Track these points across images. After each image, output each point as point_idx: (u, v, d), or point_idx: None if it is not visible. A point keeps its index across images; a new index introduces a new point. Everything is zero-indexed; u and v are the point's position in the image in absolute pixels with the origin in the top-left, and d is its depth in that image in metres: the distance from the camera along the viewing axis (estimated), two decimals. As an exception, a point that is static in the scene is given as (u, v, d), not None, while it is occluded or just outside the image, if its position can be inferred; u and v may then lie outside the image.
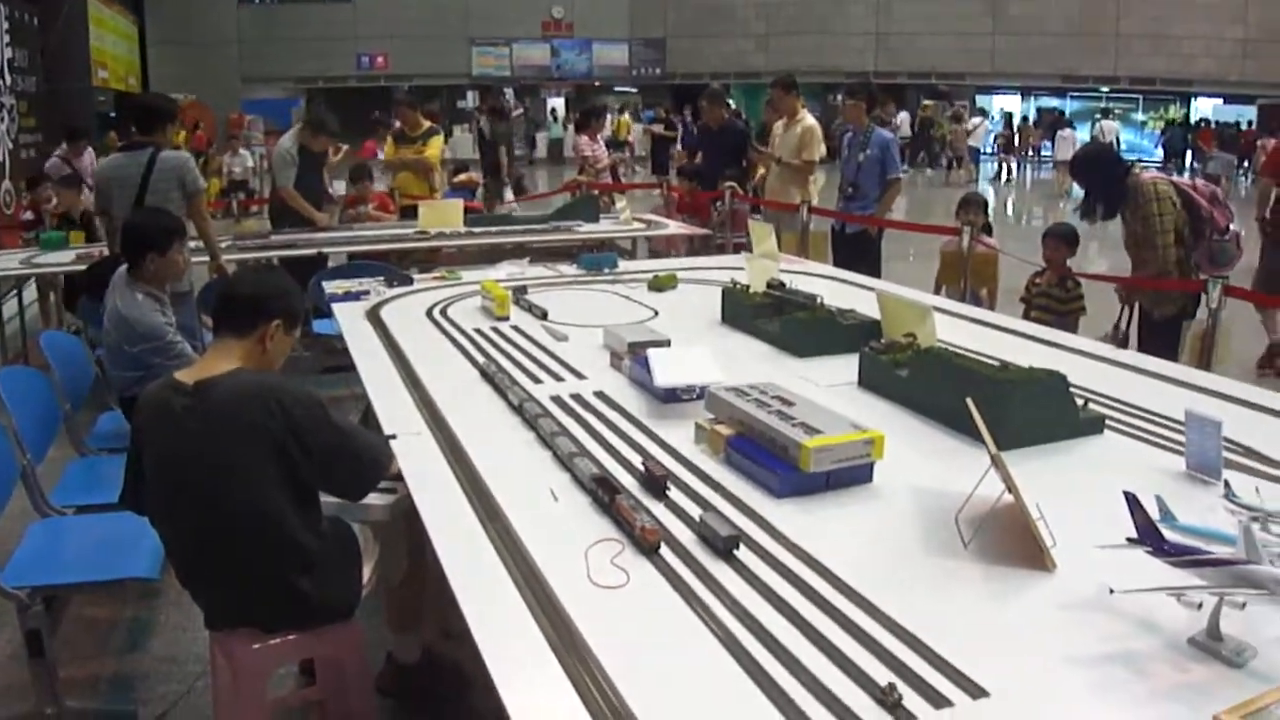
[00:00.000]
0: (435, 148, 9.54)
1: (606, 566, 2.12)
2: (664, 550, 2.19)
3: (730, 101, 13.83)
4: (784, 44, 32.35)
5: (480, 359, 3.75)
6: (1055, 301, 6.17)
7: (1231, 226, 5.69)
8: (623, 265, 5.85)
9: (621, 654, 1.78)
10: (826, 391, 3.26)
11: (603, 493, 2.42)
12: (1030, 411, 2.81)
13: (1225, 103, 31.13)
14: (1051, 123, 30.77)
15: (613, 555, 2.18)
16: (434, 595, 3.12)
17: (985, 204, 7.38)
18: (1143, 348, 5.00)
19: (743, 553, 2.18)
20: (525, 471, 2.69)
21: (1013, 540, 2.17)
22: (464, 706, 3.21)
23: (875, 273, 7.36)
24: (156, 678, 3.67)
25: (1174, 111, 32.62)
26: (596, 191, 10.82)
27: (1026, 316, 6.05)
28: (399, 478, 2.72)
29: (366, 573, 2.90)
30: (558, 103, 35.06)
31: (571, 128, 20.91)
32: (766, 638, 1.86)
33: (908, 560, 2.19)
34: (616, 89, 35.32)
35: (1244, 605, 1.78)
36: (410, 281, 5.30)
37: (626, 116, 30.37)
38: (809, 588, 2.05)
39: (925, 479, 2.58)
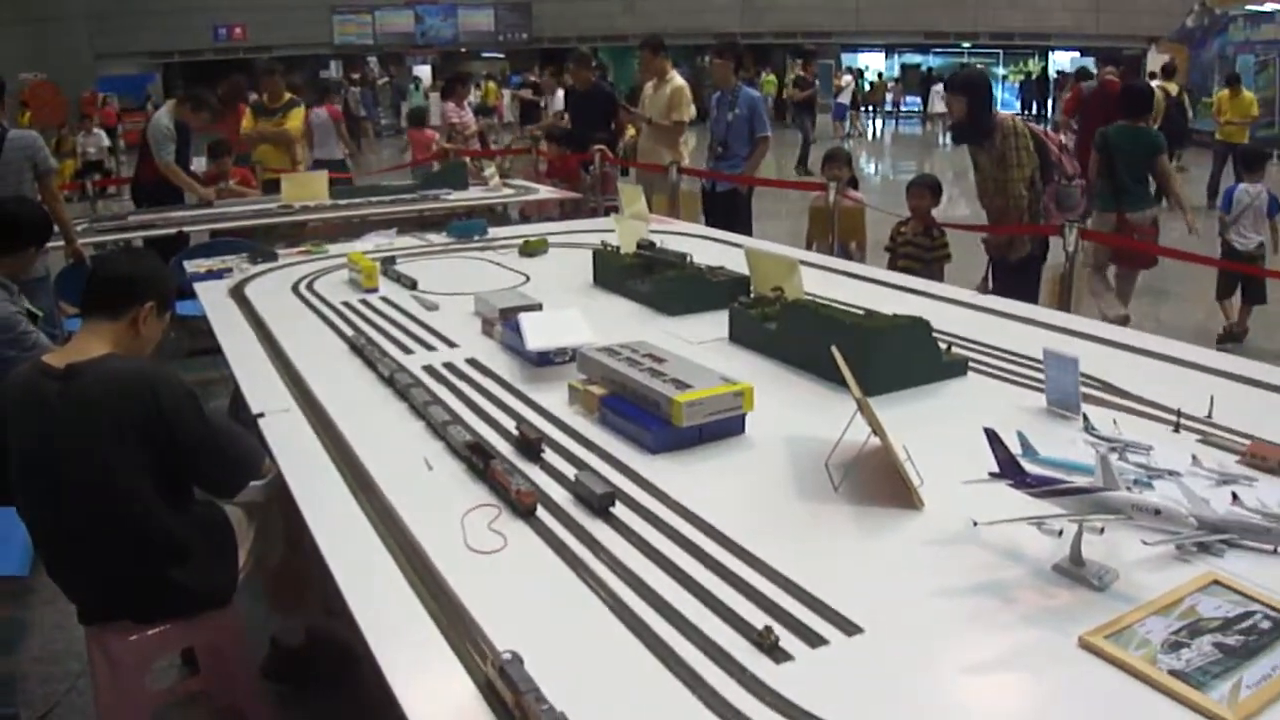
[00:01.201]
0: (296, 120, 9.33)
1: (484, 532, 2.12)
2: (541, 512, 2.20)
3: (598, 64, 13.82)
4: (651, 6, 32.23)
5: (349, 332, 3.69)
6: (921, 250, 6.30)
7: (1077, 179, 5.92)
8: (493, 231, 5.81)
9: (503, 617, 1.79)
10: (698, 348, 3.31)
11: (477, 459, 2.41)
12: (895, 357, 2.89)
13: (1081, 55, 32.08)
14: (922, 79, 31.43)
15: (490, 520, 2.17)
16: (314, 575, 3.07)
17: (849, 158, 7.50)
18: (1000, 291, 5.16)
19: (619, 509, 2.21)
20: (399, 443, 2.66)
21: (881, 481, 2.23)
22: (352, 684, 3.19)
23: (747, 231, 7.44)
24: (36, 678, 3.56)
25: (1032, 65, 33.48)
26: (466, 158, 10.70)
27: (893, 266, 6.18)
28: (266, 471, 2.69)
29: (242, 556, 2.85)
30: (424, 70, 34.45)
31: (436, 95, 20.58)
32: (645, 590, 1.88)
33: (781, 507, 2.24)
34: (483, 54, 34.84)
35: (1102, 530, 1.85)
36: (275, 257, 5.19)
37: (493, 83, 30.01)
38: (685, 539, 2.08)
39: (796, 427, 2.63)
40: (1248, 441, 2.48)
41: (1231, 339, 7.56)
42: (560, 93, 13.02)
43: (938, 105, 30.34)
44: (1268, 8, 23.78)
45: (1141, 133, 7.63)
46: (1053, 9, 30.95)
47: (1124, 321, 6.97)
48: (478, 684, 1.62)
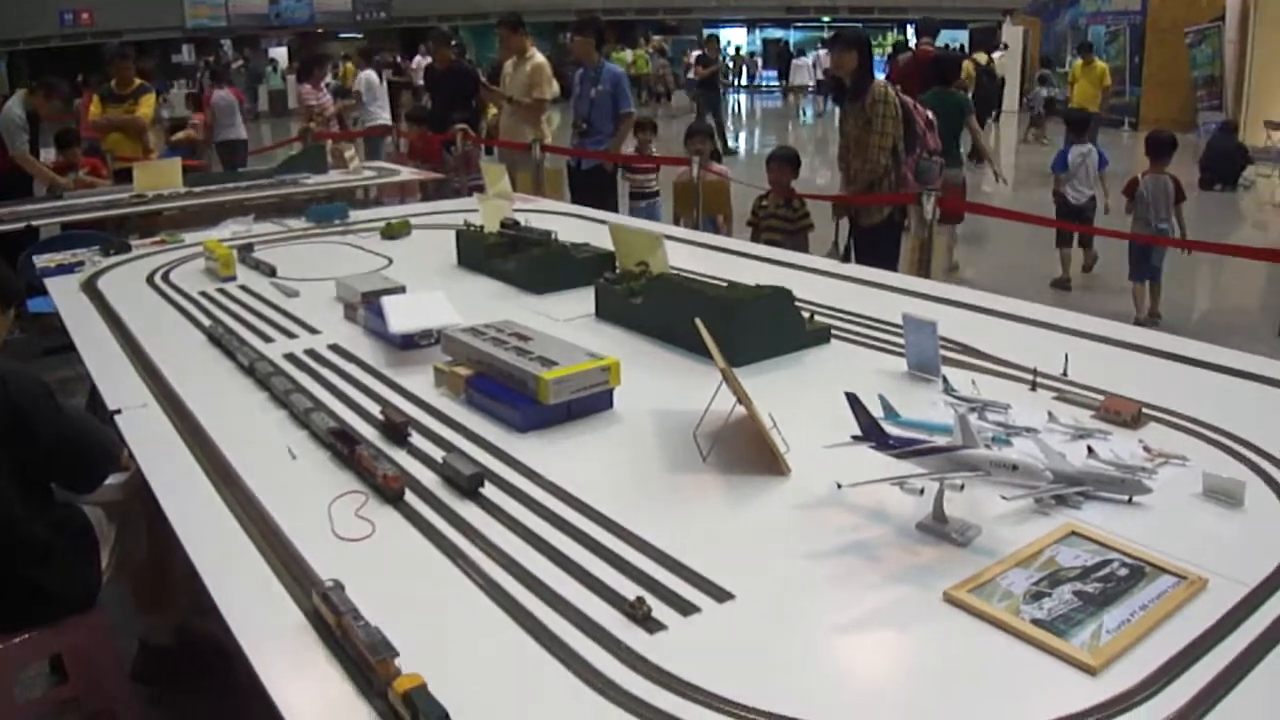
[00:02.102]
0: (147, 106, 9.06)
1: (351, 519, 2.08)
2: (409, 496, 2.17)
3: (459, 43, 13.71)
4: (512, -18, 32.01)
5: (207, 322, 3.58)
6: (784, 221, 6.39)
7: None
8: (354, 215, 5.70)
9: (373, 604, 1.75)
10: (564, 325, 3.29)
11: (342, 445, 2.37)
12: (759, 327, 2.92)
13: (941, 28, 32.82)
14: (779, 52, 31.82)
15: (357, 507, 2.13)
16: (180, 573, 2.99)
17: (711, 133, 7.56)
18: (859, 258, 5.27)
19: (489, 490, 2.18)
20: (261, 433, 2.60)
21: (749, 449, 2.25)
22: (224, 682, 3.10)
23: (614, 208, 7.45)
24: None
25: (892, 38, 34.12)
26: (327, 142, 10.49)
27: (756, 239, 6.25)
28: (126, 467, 2.60)
29: (104, 558, 2.76)
30: (280, 53, 33.62)
31: (293, 78, 20.20)
32: (516, 569, 1.87)
33: (650, 479, 2.25)
34: (341, 35, 34.15)
35: (962, 487, 1.90)
36: (128, 249, 5.00)
37: (351, 64, 29.45)
38: (556, 516, 2.07)
39: (664, 400, 2.64)
40: (1102, 397, 2.57)
41: (1063, 286, 8.62)
42: (366, 74, 12.88)
43: (799, 77, 30.88)
44: (1118, -21, 24.63)
45: (950, 95, 8.57)
46: (914, -18, 31.64)
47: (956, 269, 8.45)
48: (348, 672, 1.59)
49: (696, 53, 29.38)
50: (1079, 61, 17.17)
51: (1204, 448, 2.36)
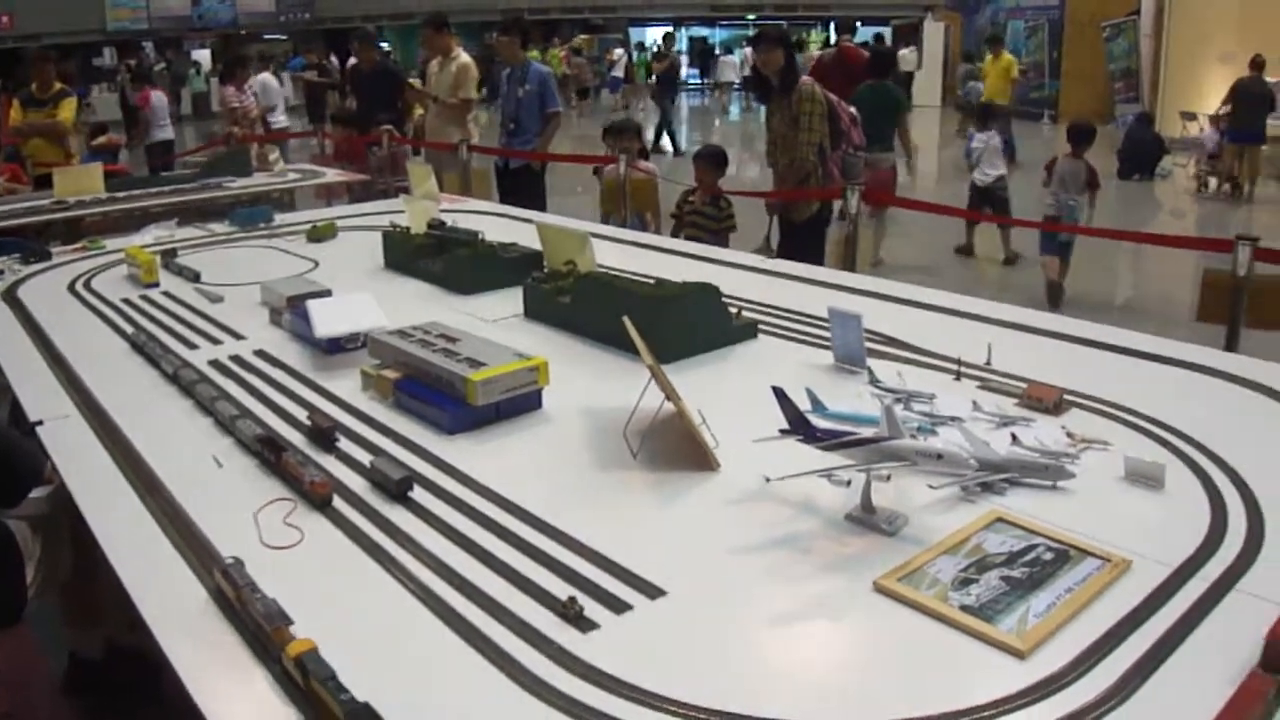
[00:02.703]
0: (68, 110, 8.84)
1: (279, 527, 2.05)
2: (337, 502, 2.14)
3: (385, 44, 13.60)
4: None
5: (130, 330, 3.51)
6: (709, 220, 6.40)
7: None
8: (279, 218, 5.63)
9: (304, 612, 1.72)
10: (493, 326, 3.28)
11: (268, 452, 2.33)
12: (686, 324, 2.93)
13: (863, 24, 33.14)
14: (702, 50, 31.97)
15: (285, 515, 2.10)
16: (108, 585, 2.93)
17: (638, 130, 7.56)
18: (787, 253, 5.31)
19: (418, 493, 2.16)
20: (186, 442, 2.55)
21: (678, 446, 2.26)
22: (156, 695, 3.05)
23: (542, 207, 7.43)
24: None
25: (816, 36, 34.37)
26: (254, 144, 10.35)
27: (677, 235, 6.26)
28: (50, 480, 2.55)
29: (30, 572, 2.69)
30: (203, 55, 33.09)
31: (215, 80, 19.92)
32: (447, 572, 1.85)
33: (581, 478, 2.24)
34: (265, 36, 33.70)
35: (889, 478, 1.92)
36: (49, 256, 4.89)
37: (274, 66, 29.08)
38: (486, 518, 2.05)
39: (593, 399, 2.64)
40: (1024, 384, 2.61)
41: (967, 252, 10.10)
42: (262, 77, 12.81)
43: (726, 75, 31.06)
44: (1036, -25, 25.02)
45: (884, 89, 9.22)
46: (832, -22, 31.89)
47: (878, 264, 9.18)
48: (279, 682, 1.57)
49: (619, 50, 29.46)
50: (989, 55, 17.48)
51: (1125, 432, 2.41)
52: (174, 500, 2.20)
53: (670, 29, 30.37)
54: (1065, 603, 1.68)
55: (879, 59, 10.06)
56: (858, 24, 15.73)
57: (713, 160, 6.63)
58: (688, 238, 6.02)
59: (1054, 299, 8.25)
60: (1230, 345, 4.26)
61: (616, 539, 1.93)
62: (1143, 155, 16.17)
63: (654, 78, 22.82)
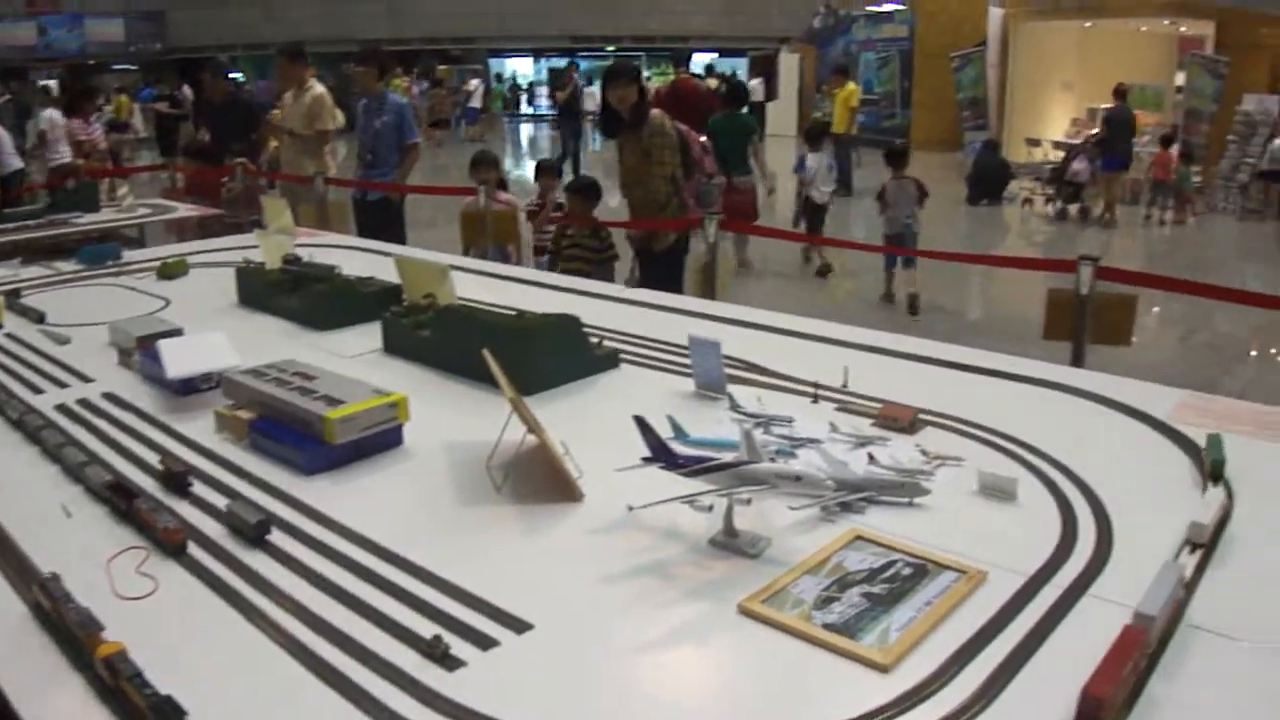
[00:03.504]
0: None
1: (133, 577, 1.97)
2: (193, 548, 2.07)
3: (239, 75, 13.33)
4: (293, 13, 31.36)
5: (-32, 376, 3.36)
6: (590, 252, 6.39)
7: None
8: (128, 255, 5.44)
9: (159, 665, 1.66)
10: (351, 362, 3.22)
11: (119, 499, 2.25)
12: (548, 355, 2.93)
13: (721, 56, 33.69)
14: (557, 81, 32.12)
15: (138, 564, 2.03)
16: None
17: (497, 161, 7.55)
18: (647, 283, 5.35)
19: (276, 536, 2.11)
20: (33, 491, 2.43)
21: (542, 478, 2.25)
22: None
23: (400, 239, 7.35)
24: None
25: (665, 67, 34.74)
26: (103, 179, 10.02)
27: (553, 267, 6.25)
28: None
29: None
30: (50, 85, 31.93)
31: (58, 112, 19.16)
32: (309, 617, 1.81)
33: (444, 514, 2.22)
34: (114, 67, 32.72)
35: (749, 501, 1.94)
36: (-125, 301, 4.65)
37: (125, 97, 28.18)
38: (348, 559, 2.01)
39: (455, 433, 2.61)
40: (880, 405, 2.67)
41: (809, 258, 11.20)
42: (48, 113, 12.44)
43: (589, 105, 31.26)
44: (886, 8, 25.81)
45: (738, 118, 10.47)
46: (689, 13, 32.47)
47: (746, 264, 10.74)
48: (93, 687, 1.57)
49: (474, 81, 29.36)
50: (836, 85, 18.06)
51: (978, 447, 2.49)
52: (21, 553, 2.09)
53: (570, 59, 30.57)
54: (925, 616, 1.72)
55: (732, 90, 11.30)
56: (690, 57, 16.48)
57: (586, 192, 6.64)
58: (569, 271, 6.00)
59: (912, 306, 9.23)
60: (1076, 361, 4.44)
61: (481, 574, 1.91)
62: (991, 181, 16.77)
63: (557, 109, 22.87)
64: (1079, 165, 15.21)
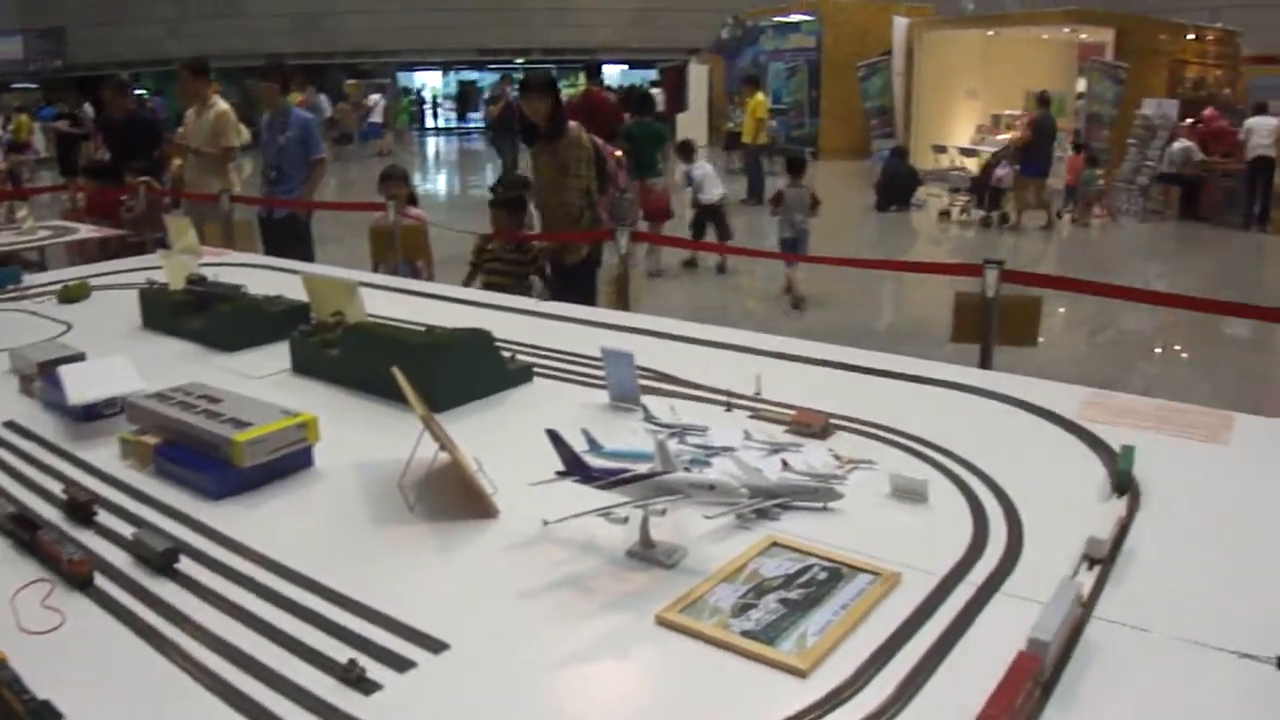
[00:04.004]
0: None
1: (38, 611, 1.91)
2: (100, 579, 2.01)
3: (144, 91, 13.08)
4: (198, 28, 30.89)
5: None
6: (514, 266, 6.33)
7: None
8: (28, 279, 5.29)
9: (67, 700, 1.61)
10: (259, 383, 3.16)
11: (21, 531, 2.18)
12: (459, 371, 2.90)
13: (630, 67, 33.87)
14: (473, 95, 32.13)
15: (43, 597, 1.97)
16: None
17: (406, 176, 7.49)
18: (559, 295, 5.34)
19: (186, 564, 2.05)
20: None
21: (456, 495, 2.23)
22: None
23: (308, 257, 7.26)
24: None
25: (583, 79, 34.79)
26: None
27: (470, 282, 6.20)
28: None
29: None
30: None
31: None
32: (221, 646, 1.76)
33: (357, 535, 2.18)
34: (13, 86, 31.89)
35: (664, 512, 1.94)
36: None
37: (25, 116, 27.47)
38: (259, 585, 1.97)
39: (367, 453, 2.57)
40: (792, 411, 2.69)
41: (692, 264, 12.24)
42: None
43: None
44: (794, 18, 26.11)
45: (650, 124, 11.75)
46: (598, 25, 32.62)
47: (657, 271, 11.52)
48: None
49: (374, 96, 29.10)
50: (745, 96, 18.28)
51: (890, 450, 2.52)
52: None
53: (360, 77, 30.55)
54: (841, 619, 1.74)
55: (641, 99, 12.95)
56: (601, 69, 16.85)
57: (507, 206, 6.59)
58: (490, 286, 5.95)
59: (797, 303, 9.99)
60: (984, 362, 4.52)
61: (396, 595, 1.88)
62: (899, 188, 17.06)
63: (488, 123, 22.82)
64: (1003, 171, 15.50)
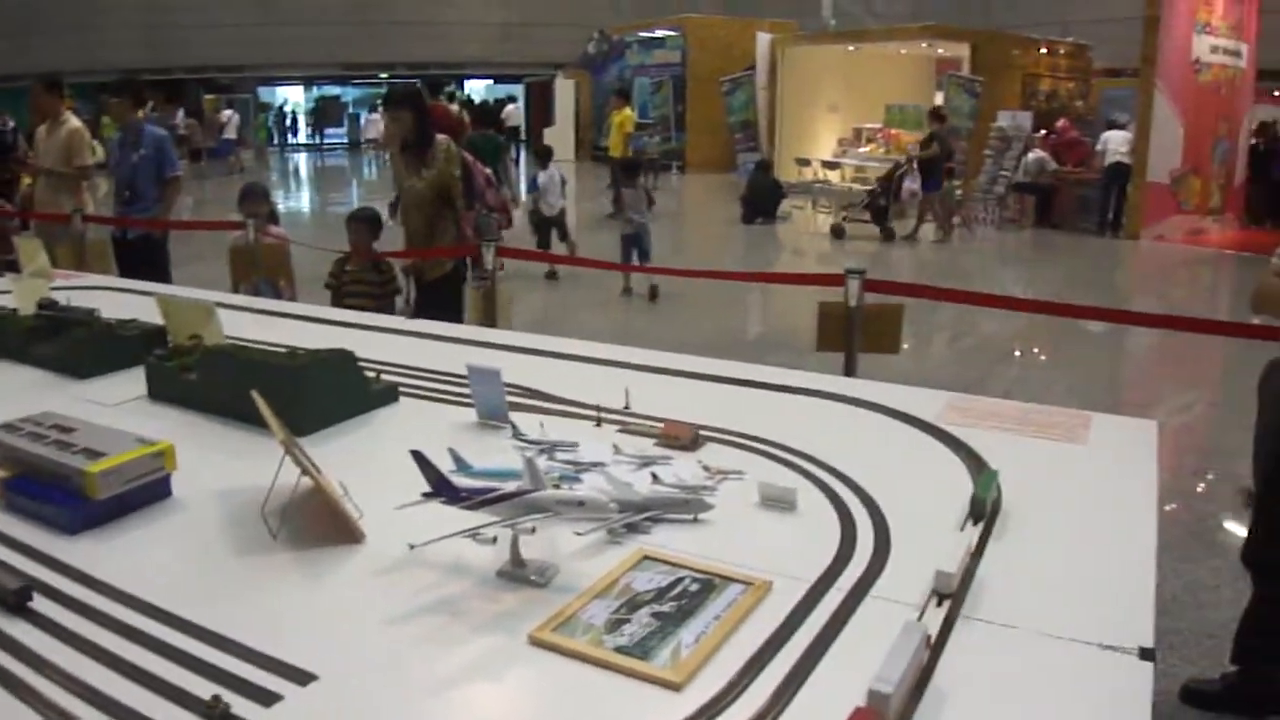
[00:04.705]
0: None
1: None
2: (-55, 623, 1.92)
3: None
4: (46, 43, 29.82)
5: None
6: (372, 286, 6.23)
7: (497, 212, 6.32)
8: None
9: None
10: (114, 411, 3.05)
11: None
12: (322, 393, 2.83)
13: (496, 82, 33.77)
14: (336, 109, 31.72)
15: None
16: None
17: (267, 193, 7.33)
18: (425, 313, 5.29)
19: (39, 603, 1.96)
20: None
21: (321, 521, 2.18)
22: None
23: (165, 278, 7.06)
24: None
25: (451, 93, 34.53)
26: None
27: (339, 303, 6.08)
28: None
29: None
30: None
31: None
32: (79, 687, 1.69)
33: (218, 566, 2.11)
34: None
35: (534, 530, 1.92)
36: None
37: None
38: (117, 621, 1.89)
39: (228, 481, 2.49)
40: (661, 424, 2.71)
41: (552, 276, 12.52)
42: None
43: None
44: (659, 34, 26.35)
45: (490, 137, 12.41)
46: (464, 40, 32.52)
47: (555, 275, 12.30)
48: None
49: (227, 112, 28.45)
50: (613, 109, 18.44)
51: (759, 460, 2.55)
52: None
53: (218, 93, 30.11)
54: (714, 630, 1.75)
55: (485, 113, 15.20)
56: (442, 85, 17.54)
57: (365, 223, 6.48)
58: (353, 307, 5.83)
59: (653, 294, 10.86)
60: (849, 370, 4.61)
61: (260, 626, 1.83)
62: (765, 200, 17.33)
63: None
64: (912, 185, 15.78)
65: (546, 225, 12.58)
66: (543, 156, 13.58)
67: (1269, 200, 18.15)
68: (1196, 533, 5.06)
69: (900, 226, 16.03)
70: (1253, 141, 18.50)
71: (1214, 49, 14.07)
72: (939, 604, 1.84)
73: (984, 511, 2.17)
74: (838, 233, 16.14)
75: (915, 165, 16.05)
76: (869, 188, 17.52)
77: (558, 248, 12.66)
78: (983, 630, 1.78)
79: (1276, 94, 19.91)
